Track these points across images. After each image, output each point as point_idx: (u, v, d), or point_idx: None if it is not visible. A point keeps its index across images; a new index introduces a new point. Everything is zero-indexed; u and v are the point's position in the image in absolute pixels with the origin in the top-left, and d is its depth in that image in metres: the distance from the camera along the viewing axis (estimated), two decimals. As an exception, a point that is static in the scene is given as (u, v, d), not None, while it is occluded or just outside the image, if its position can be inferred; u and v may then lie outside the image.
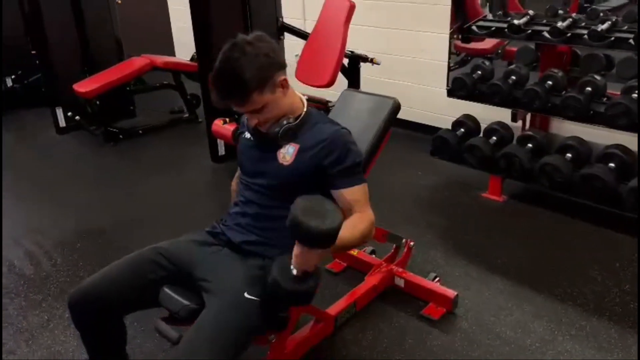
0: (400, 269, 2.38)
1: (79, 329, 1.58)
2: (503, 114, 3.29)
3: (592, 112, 2.80)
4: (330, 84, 3.44)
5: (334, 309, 2.11)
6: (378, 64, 3.76)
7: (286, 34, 4.01)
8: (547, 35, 2.96)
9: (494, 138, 3.21)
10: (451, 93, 3.34)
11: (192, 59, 4.73)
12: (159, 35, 6.32)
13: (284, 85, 1.52)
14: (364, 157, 1.70)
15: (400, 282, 2.35)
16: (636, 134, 2.66)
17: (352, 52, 3.71)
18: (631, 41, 2.66)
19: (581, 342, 2.05)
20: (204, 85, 3.78)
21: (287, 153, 1.56)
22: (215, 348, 1.33)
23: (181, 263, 1.58)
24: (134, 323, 2.16)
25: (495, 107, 3.22)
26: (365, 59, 3.74)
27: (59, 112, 4.53)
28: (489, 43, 4.37)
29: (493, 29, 3.25)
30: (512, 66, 3.29)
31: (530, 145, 3.05)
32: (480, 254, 2.64)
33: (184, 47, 6.10)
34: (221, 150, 3.87)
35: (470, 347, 2.05)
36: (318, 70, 3.50)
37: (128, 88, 4.67)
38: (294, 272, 1.33)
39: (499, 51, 4.04)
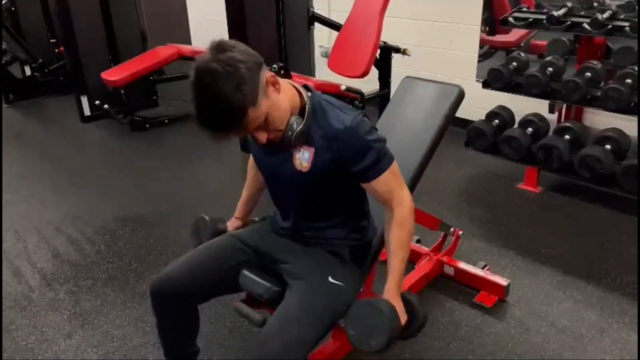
0: (450, 257, 2.40)
1: (158, 316, 1.58)
2: (533, 106, 3.30)
3: (632, 104, 2.82)
4: (364, 74, 3.45)
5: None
6: (409, 55, 3.77)
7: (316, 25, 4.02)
8: (587, 26, 2.96)
9: (530, 129, 3.22)
10: (487, 85, 3.34)
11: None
12: (175, 26, 6.31)
13: (274, 82, 1.30)
14: (385, 141, 1.42)
15: (450, 271, 2.37)
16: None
17: (384, 42, 3.71)
18: (675, 33, 2.67)
19: (636, 330, 2.07)
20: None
21: (303, 159, 1.39)
22: (304, 327, 1.34)
23: (259, 247, 1.59)
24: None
25: (525, 99, 3.22)
26: (397, 50, 3.74)
27: (84, 101, 4.52)
28: (513, 36, 4.38)
29: (531, 20, 3.24)
30: (549, 58, 3.29)
31: (567, 136, 3.06)
32: (524, 243, 2.66)
33: (202, 38, 6.10)
34: (251, 140, 3.87)
35: (526, 335, 2.06)
36: (352, 60, 3.50)
37: (151, 77, 4.66)
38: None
39: (521, 44, 4.09)
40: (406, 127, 1.93)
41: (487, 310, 2.20)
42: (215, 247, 1.60)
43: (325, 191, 1.47)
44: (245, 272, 1.55)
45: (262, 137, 1.33)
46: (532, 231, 2.77)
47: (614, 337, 2.04)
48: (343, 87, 3.35)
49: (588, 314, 2.17)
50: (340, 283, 1.46)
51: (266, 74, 1.28)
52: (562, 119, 3.39)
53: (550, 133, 3.23)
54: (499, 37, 4.17)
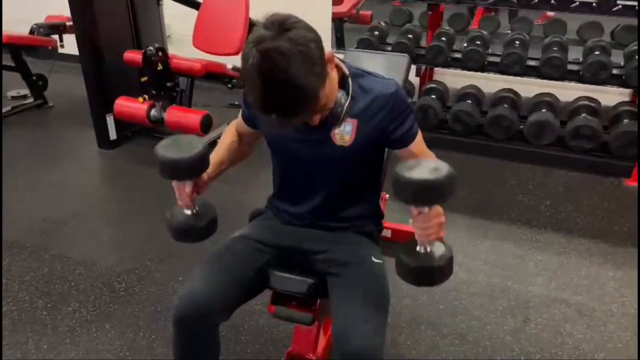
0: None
1: (185, 346, 1.35)
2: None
3: (486, 62, 3.26)
4: (239, 51, 3.29)
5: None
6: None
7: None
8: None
9: (400, 93, 3.48)
10: (357, 54, 3.49)
11: (32, 32, 3.97)
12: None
13: (331, 59, 1.19)
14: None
15: (387, 233, 2.49)
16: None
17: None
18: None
19: (545, 251, 2.47)
20: (85, 59, 3.24)
21: (345, 132, 1.31)
22: (381, 313, 1.30)
23: (279, 242, 1.46)
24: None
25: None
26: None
27: None
28: (344, 7, 4.64)
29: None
30: (408, 25, 3.59)
31: (434, 96, 3.41)
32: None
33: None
34: (112, 134, 3.41)
35: (473, 276, 2.31)
36: (223, 37, 3.30)
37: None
38: (422, 249, 1.16)
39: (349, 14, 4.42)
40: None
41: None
42: (235, 254, 1.42)
43: (362, 165, 1.41)
44: (276, 272, 1.41)
45: (317, 118, 1.23)
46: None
47: (534, 261, 2.41)
48: (230, 67, 3.16)
49: (506, 246, 2.51)
50: (381, 261, 1.44)
51: (329, 53, 1.16)
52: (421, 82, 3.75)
53: (416, 95, 3.56)
54: (333, 8, 4.37)
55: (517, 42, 3.28)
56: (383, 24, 3.72)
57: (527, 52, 3.22)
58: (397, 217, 2.64)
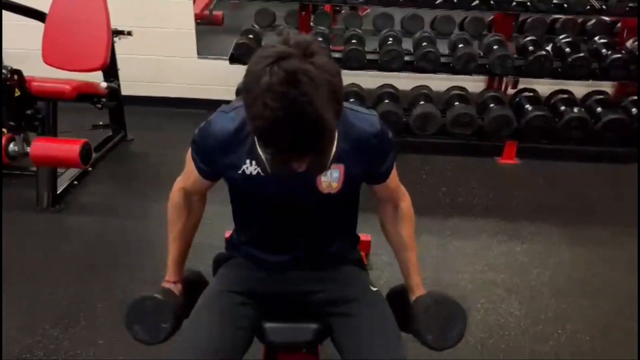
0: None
1: None
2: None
3: (366, 61, 3.33)
4: (104, 65, 2.91)
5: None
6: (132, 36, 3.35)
7: None
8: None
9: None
10: (235, 60, 3.31)
11: None
12: None
13: None
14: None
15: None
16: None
17: (104, 26, 3.15)
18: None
19: (459, 237, 2.62)
20: None
21: (332, 180, 1.18)
22: (400, 341, 1.22)
23: (266, 290, 1.29)
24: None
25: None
26: (120, 33, 3.25)
27: None
28: (197, 8, 4.44)
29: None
30: (282, 27, 3.50)
31: (352, 99, 3.35)
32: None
33: None
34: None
35: (406, 273, 2.34)
36: (82, 50, 2.88)
37: None
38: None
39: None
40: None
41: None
42: (221, 312, 1.22)
43: (348, 207, 1.32)
44: (272, 324, 1.25)
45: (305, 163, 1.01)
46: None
47: (453, 248, 2.55)
48: (104, 85, 2.74)
49: (424, 237, 2.58)
50: (377, 288, 1.37)
51: None
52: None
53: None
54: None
55: (391, 39, 3.40)
56: (256, 26, 3.57)
57: (402, 48, 3.36)
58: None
